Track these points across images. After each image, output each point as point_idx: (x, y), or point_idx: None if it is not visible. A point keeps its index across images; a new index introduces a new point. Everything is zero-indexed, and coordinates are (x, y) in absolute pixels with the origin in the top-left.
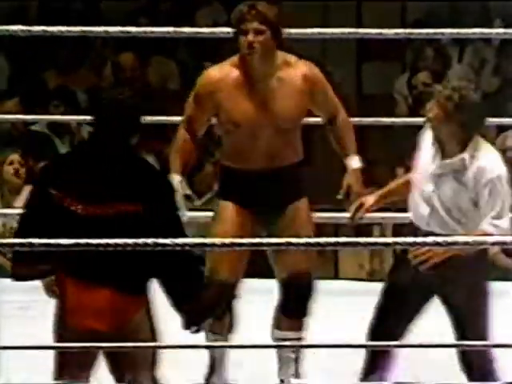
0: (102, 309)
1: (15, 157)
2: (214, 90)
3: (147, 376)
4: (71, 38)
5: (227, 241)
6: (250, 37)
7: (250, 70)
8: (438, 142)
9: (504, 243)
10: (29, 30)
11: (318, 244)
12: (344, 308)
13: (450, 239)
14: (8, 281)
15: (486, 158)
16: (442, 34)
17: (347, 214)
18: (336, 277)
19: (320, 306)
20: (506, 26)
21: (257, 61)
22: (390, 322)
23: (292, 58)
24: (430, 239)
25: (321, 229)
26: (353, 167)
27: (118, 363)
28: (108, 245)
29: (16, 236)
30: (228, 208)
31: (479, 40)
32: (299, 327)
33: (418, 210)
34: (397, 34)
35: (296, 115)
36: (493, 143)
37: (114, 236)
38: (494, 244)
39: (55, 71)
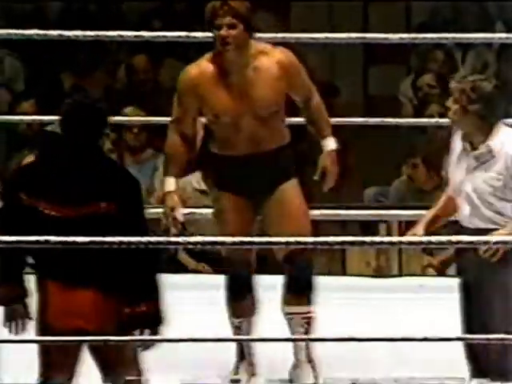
0: (86, 309)
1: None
2: (193, 86)
3: (134, 375)
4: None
5: (237, 239)
6: (224, 31)
7: (225, 62)
8: (465, 137)
9: (506, 242)
10: (45, 34)
11: (326, 243)
12: (351, 303)
13: (453, 238)
14: None
15: None
16: (446, 38)
17: (354, 212)
18: (344, 273)
19: (329, 301)
20: (507, 30)
21: (231, 54)
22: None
23: (267, 47)
24: (433, 238)
25: (328, 227)
26: (329, 148)
27: (106, 363)
28: (107, 243)
29: None
30: (225, 203)
31: (481, 44)
32: (306, 302)
33: (461, 211)
34: (402, 38)
35: (274, 101)
36: None
37: (89, 236)
38: (496, 243)
39: (71, 73)
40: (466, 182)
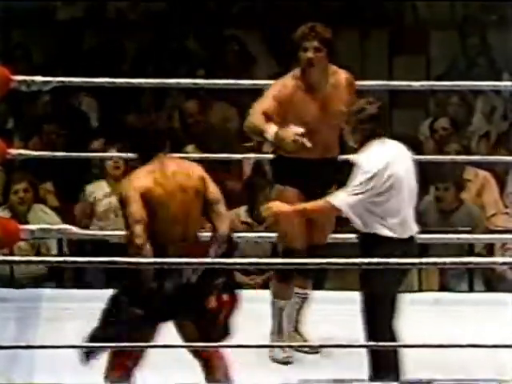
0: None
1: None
2: (284, 97)
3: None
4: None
5: (307, 261)
6: (310, 54)
7: (309, 79)
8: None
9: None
10: (113, 82)
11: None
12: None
13: (465, 259)
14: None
15: None
16: (458, 86)
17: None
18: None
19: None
20: None
21: (315, 73)
22: None
23: (334, 67)
24: (448, 260)
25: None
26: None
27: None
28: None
29: None
30: (288, 196)
31: (490, 91)
32: (308, 285)
33: None
34: (422, 85)
35: (344, 113)
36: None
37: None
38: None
39: (136, 115)
40: None
